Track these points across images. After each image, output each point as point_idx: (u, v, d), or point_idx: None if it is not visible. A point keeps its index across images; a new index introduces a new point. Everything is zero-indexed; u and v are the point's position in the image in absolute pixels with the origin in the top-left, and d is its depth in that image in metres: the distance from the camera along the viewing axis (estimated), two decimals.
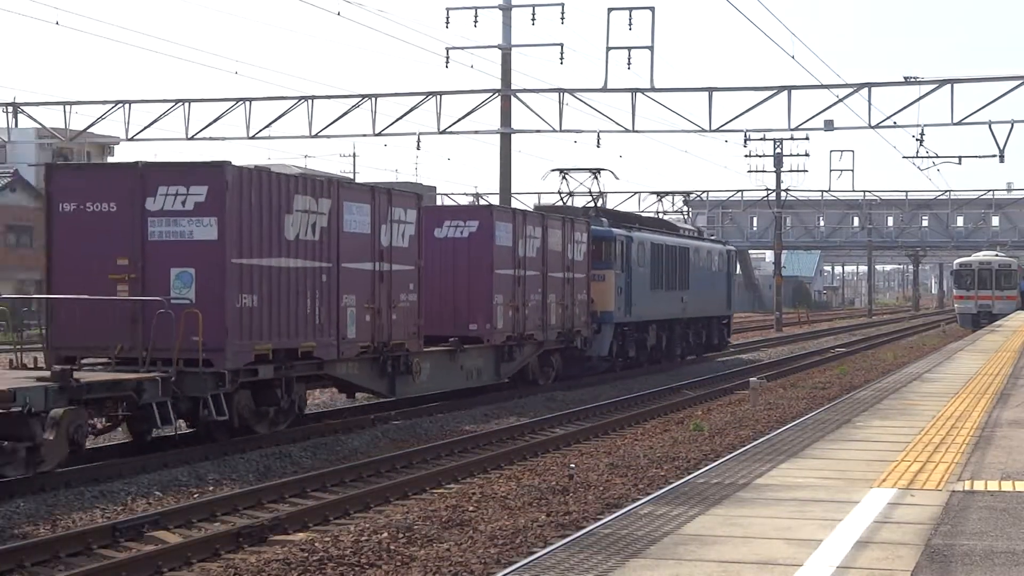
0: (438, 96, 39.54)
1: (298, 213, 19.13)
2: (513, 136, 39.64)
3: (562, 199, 36.59)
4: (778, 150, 70.88)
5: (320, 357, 19.82)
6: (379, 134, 40.52)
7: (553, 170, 37.21)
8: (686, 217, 78.50)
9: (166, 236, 17.93)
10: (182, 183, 17.94)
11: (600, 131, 39.85)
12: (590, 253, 30.73)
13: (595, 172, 36.71)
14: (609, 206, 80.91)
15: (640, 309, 33.45)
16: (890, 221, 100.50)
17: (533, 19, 38.65)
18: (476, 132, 42.01)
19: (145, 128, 42.26)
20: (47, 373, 15.76)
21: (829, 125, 40.46)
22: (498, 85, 39.29)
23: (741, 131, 45.23)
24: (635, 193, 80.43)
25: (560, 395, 27.50)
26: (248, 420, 18.66)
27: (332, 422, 21.16)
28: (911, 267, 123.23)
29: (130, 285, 17.93)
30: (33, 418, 14.55)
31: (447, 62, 38.76)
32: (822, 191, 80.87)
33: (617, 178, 54.75)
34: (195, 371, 17.14)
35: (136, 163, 18.66)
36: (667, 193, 41.35)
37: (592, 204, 36.21)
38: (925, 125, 40.41)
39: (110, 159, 78.84)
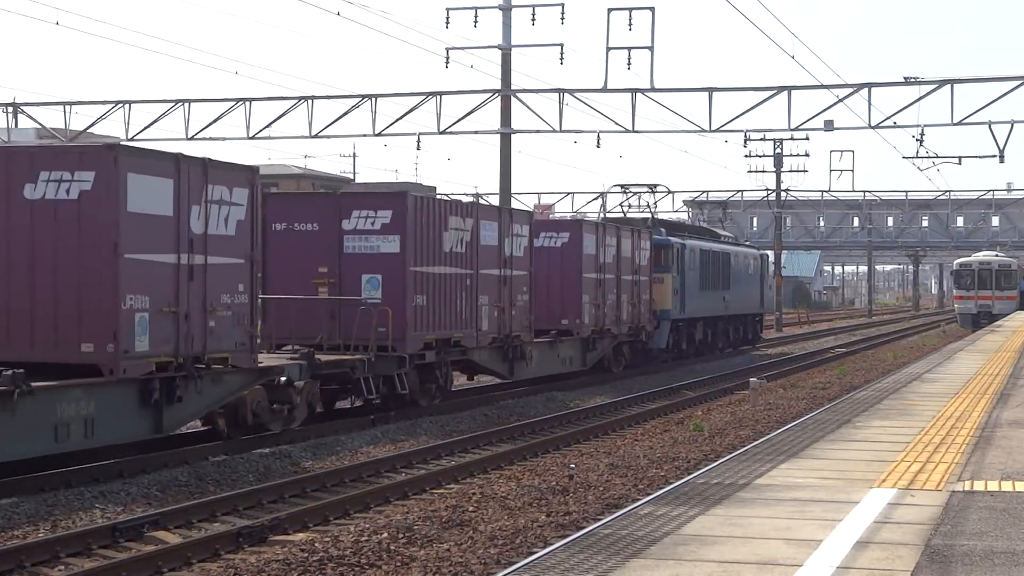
0: (438, 96, 39.54)
1: (452, 231, 23.86)
2: (513, 136, 39.65)
3: (623, 211, 42.69)
4: (778, 150, 70.89)
5: (465, 345, 24.58)
6: (379, 134, 40.51)
7: (615, 185, 44.28)
8: (689, 217, 78.59)
9: (358, 249, 22.68)
10: (371, 208, 22.77)
11: (600, 131, 39.85)
12: (652, 258, 35.58)
13: (652, 187, 43.21)
14: (609, 207, 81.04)
15: (691, 307, 38.13)
16: (890, 221, 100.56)
17: (533, 19, 38.64)
18: (476, 132, 42.01)
19: (145, 128, 42.27)
20: (296, 355, 19.74)
21: (829, 125, 40.45)
22: (498, 85, 39.29)
23: (741, 131, 45.21)
24: (635, 193, 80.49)
25: (560, 395, 27.53)
26: (416, 394, 23.01)
27: (332, 422, 21.17)
28: (911, 267, 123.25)
29: (329, 288, 22.47)
30: (291, 387, 19.02)
31: (447, 62, 38.77)
32: (822, 191, 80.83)
33: (670, 191, 58.88)
34: (386, 355, 21.79)
35: (335, 192, 24.84)
36: (632, 187, 43.42)
37: (650, 215, 41.00)
38: (925, 125, 40.39)
39: None
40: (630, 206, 42.39)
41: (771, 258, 55.53)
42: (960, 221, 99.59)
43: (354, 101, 40.71)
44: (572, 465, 16.52)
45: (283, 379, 18.80)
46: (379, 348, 21.58)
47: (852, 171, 71.56)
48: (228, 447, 18.13)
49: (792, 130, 40.95)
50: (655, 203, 42.96)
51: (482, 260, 24.99)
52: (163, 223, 16.24)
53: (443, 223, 23.58)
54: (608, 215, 41.76)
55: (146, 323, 15.90)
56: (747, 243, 54.93)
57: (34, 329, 15.59)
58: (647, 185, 42.51)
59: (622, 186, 42.83)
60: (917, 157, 48.85)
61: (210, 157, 17.53)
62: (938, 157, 52.28)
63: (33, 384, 14.23)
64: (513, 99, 39.23)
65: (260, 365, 18.35)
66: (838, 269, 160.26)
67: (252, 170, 18.40)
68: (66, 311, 15.53)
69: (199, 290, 16.88)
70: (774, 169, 71.72)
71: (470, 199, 78.67)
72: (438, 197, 25.18)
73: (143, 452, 17.42)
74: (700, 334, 39.66)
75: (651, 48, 36.59)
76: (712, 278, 40.38)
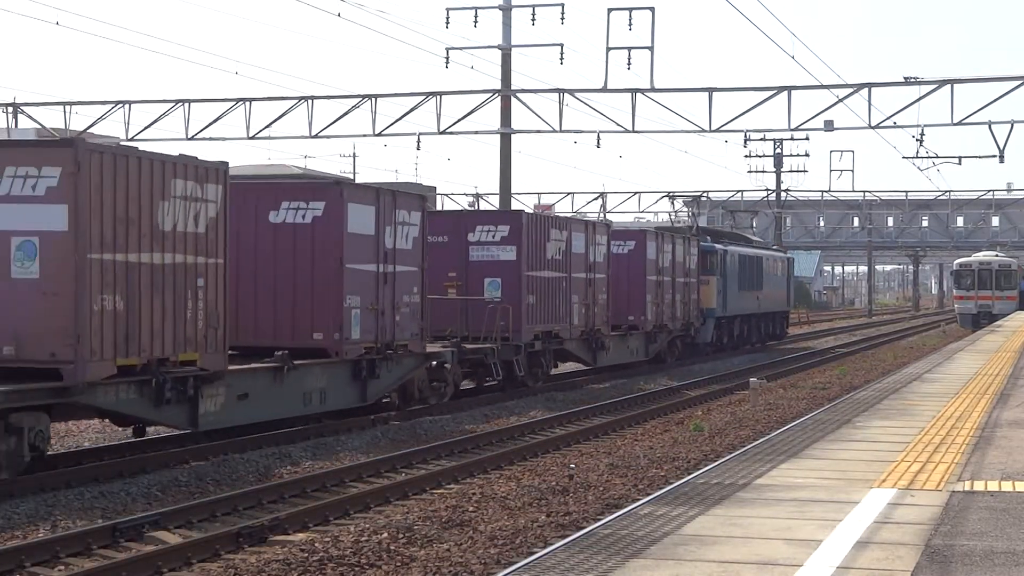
0: (438, 96, 39.55)
1: (552, 241, 28.74)
2: (513, 136, 39.66)
3: (672, 220, 48.49)
4: (778, 150, 70.92)
5: (562, 337, 29.21)
6: (379, 134, 40.53)
7: (664, 195, 51.65)
8: (691, 218, 78.54)
9: (482, 258, 27.34)
10: (492, 223, 27.74)
11: (600, 131, 39.88)
12: (699, 263, 40.18)
13: (696, 198, 51.04)
14: (609, 207, 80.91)
15: (731, 306, 43.06)
16: (890, 221, 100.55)
17: (533, 19, 38.67)
18: (476, 132, 42.06)
19: (145, 128, 42.29)
20: (447, 344, 24.51)
21: (829, 125, 40.47)
22: (498, 85, 39.30)
23: (741, 131, 45.27)
24: (635, 193, 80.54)
25: (560, 395, 27.54)
26: (526, 377, 27.50)
27: (332, 422, 21.17)
28: (911, 267, 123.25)
29: (457, 290, 26.72)
30: (445, 369, 23.82)
31: (447, 62, 38.78)
32: (822, 191, 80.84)
33: (709, 200, 64.06)
34: (507, 344, 26.28)
35: (462, 211, 28.79)
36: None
37: (695, 224, 46.70)
38: (925, 125, 40.43)
39: None
40: (676, 214, 49.55)
41: (792, 260, 59.64)
42: (960, 221, 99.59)
43: (354, 101, 40.73)
44: (572, 465, 16.52)
45: (445, 363, 23.90)
46: (500, 339, 26.26)
47: (852, 171, 71.63)
48: (229, 447, 18.15)
49: (792, 130, 40.99)
50: (698, 212, 49.72)
51: (573, 265, 29.84)
52: (368, 241, 21.03)
53: (546, 235, 28.57)
54: (661, 226, 46.65)
55: (358, 317, 20.79)
56: (774, 247, 59.60)
57: (276, 322, 20.13)
58: (693, 196, 49.44)
59: (669, 196, 50.22)
60: (917, 157, 48.88)
61: (398, 189, 23.77)
62: (938, 157, 52.32)
63: (295, 362, 19.09)
64: (513, 99, 39.23)
65: (427, 351, 23.24)
66: (838, 269, 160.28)
67: (423, 197, 24.04)
68: (302, 308, 20.21)
69: (390, 292, 21.74)
70: (774, 169, 71.76)
71: (470, 200, 78.79)
72: (543, 214, 31.87)
73: (144, 452, 17.43)
74: (738, 330, 44.74)
75: (651, 48, 36.61)
76: (748, 280, 45.17)
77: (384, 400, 22.41)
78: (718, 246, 42.55)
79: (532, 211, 30.27)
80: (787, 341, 52.66)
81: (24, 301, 15.06)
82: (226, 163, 17.73)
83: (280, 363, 18.82)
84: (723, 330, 42.63)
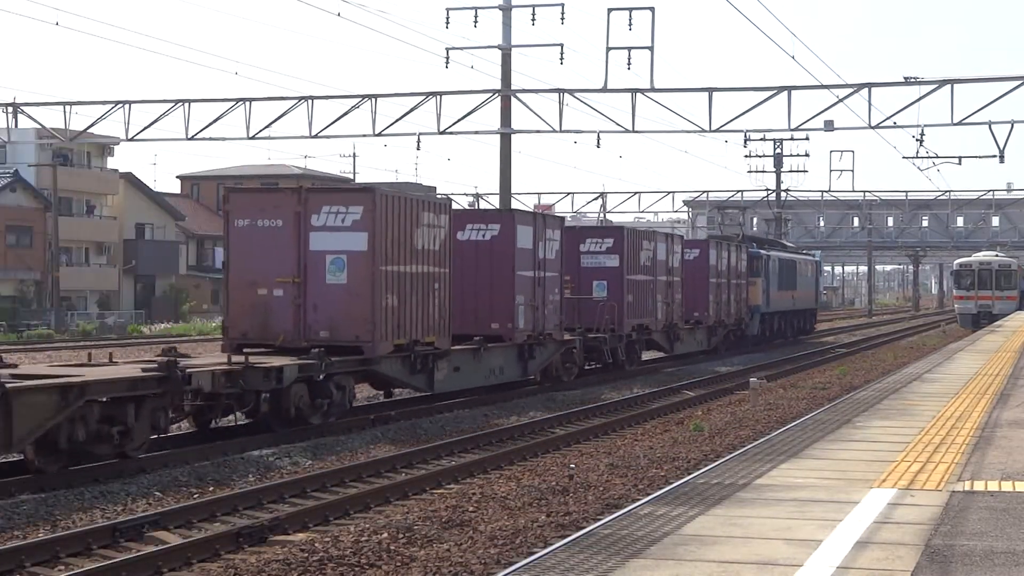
0: (438, 96, 39.57)
1: (644, 250, 34.65)
2: (513, 136, 39.67)
3: (720, 229, 55.27)
4: (778, 150, 70.91)
5: (650, 328, 35.09)
6: (379, 134, 40.56)
7: (715, 208, 57.42)
8: (690, 219, 78.65)
9: (591, 264, 32.95)
10: (599, 237, 33.77)
11: (600, 131, 39.94)
12: (748, 266, 45.93)
13: (743, 210, 58.60)
14: (609, 207, 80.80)
15: (773, 304, 49.60)
16: (890, 221, 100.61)
17: (533, 19, 38.70)
18: (476, 132, 42.13)
19: (145, 128, 42.36)
20: (575, 333, 30.02)
21: (829, 125, 40.51)
22: (498, 85, 39.31)
23: (741, 131, 45.37)
24: (635, 193, 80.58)
25: (560, 395, 27.54)
26: (624, 362, 33.39)
27: (331, 422, 21.17)
28: (911, 267, 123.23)
29: (571, 290, 31.03)
30: (575, 353, 29.83)
31: (447, 62, 38.82)
32: (822, 191, 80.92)
33: (744, 210, 68.79)
34: (612, 334, 32.05)
35: (575, 226, 35.31)
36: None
37: (741, 232, 52.91)
38: (925, 125, 40.49)
39: (110, 159, 78.95)
40: (724, 224, 55.93)
41: (820, 263, 69.63)
42: (960, 221, 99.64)
43: (354, 101, 40.76)
44: (572, 465, 16.51)
45: (574, 348, 29.56)
46: (604, 330, 31.76)
47: (852, 171, 71.85)
48: (228, 447, 18.15)
49: (792, 130, 41.03)
50: (743, 221, 56.87)
51: (658, 270, 35.76)
52: (528, 253, 27.06)
53: (640, 245, 34.52)
54: (714, 235, 53.66)
55: (523, 312, 26.74)
56: (805, 251, 65.49)
57: (469, 315, 25.69)
58: (738, 208, 56.12)
59: (720, 207, 55.74)
60: (917, 157, 48.93)
61: (545, 213, 30.05)
62: (938, 157, 52.36)
63: (488, 345, 25.34)
64: (513, 99, 39.24)
65: (564, 338, 28.98)
66: (838, 269, 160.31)
67: (562, 218, 31.29)
68: (485, 305, 26.18)
69: (542, 292, 27.61)
70: (774, 169, 71.73)
71: (470, 200, 78.78)
72: (640, 229, 36.65)
73: (144, 452, 17.42)
74: (777, 324, 51.14)
75: (651, 48, 36.65)
76: (786, 281, 51.64)
77: (529, 376, 28.04)
78: (763, 252, 48.98)
79: (630, 225, 41.09)
80: (813, 336, 58.76)
81: (336, 300, 21.11)
82: (450, 199, 26.00)
83: (478, 346, 25.07)
84: (766, 324, 49.05)
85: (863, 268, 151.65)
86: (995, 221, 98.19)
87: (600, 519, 11.07)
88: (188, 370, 17.16)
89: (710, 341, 41.42)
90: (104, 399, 15.95)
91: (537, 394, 27.23)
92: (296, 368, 19.52)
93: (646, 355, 37.22)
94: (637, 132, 38.89)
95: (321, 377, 20.05)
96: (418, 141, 41.89)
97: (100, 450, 15.98)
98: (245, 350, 20.41)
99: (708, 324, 40.80)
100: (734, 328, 44.26)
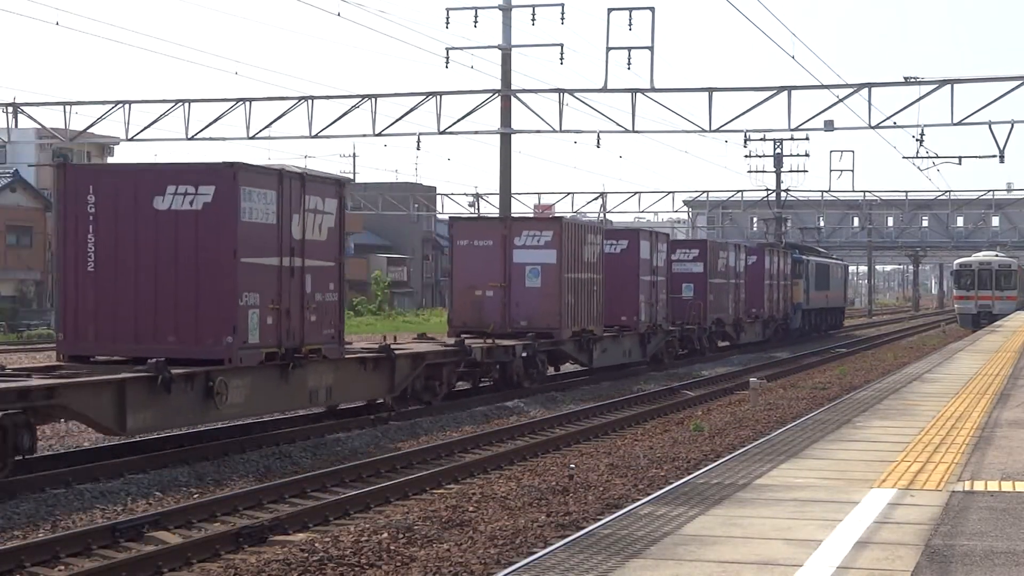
0: (438, 96, 39.56)
1: (721, 258, 42.55)
2: (513, 136, 39.65)
3: (766, 236, 65.66)
4: (778, 150, 70.87)
5: (724, 322, 42.65)
6: (379, 134, 40.54)
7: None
8: (690, 219, 79.01)
9: (681, 270, 39.97)
10: (687, 248, 41.32)
11: (600, 131, 39.90)
12: (792, 269, 53.32)
13: (782, 220, 65.52)
14: (609, 207, 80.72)
15: (812, 302, 57.36)
16: (890, 221, 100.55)
17: (533, 19, 38.68)
18: (476, 132, 42.10)
19: (145, 128, 42.29)
20: (675, 326, 38.01)
21: (829, 125, 40.47)
22: (498, 85, 39.30)
23: (741, 131, 45.28)
24: (635, 193, 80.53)
25: (560, 395, 27.54)
26: (705, 349, 40.96)
27: (332, 422, 21.17)
28: (911, 267, 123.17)
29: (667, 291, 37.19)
30: (675, 340, 37.99)
31: (447, 62, 38.81)
32: (822, 191, 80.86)
33: (788, 220, 76.27)
34: (698, 327, 39.74)
35: (669, 239, 39.02)
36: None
37: (783, 240, 61.51)
38: (925, 125, 40.42)
39: (110, 159, 78.95)
40: (774, 233, 64.11)
41: (847, 266, 77.17)
42: (960, 221, 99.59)
43: (354, 101, 40.74)
44: (572, 465, 16.50)
45: (675, 336, 37.84)
46: (692, 323, 39.25)
47: (852, 171, 71.70)
48: (229, 447, 18.15)
49: (792, 130, 40.98)
50: (786, 229, 66.63)
51: (731, 274, 43.61)
52: (647, 263, 35.04)
53: (717, 254, 42.23)
54: (762, 242, 60.52)
55: (643, 307, 34.29)
56: (835, 256, 73.97)
57: (606, 309, 32.07)
58: (778, 218, 65.15)
59: (777, 219, 65.00)
60: (917, 157, 48.88)
61: (657, 231, 38.09)
62: (938, 157, 52.30)
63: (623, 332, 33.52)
64: (513, 99, 39.22)
65: (669, 328, 37.05)
66: None
67: (667, 234, 39.00)
68: (617, 302, 33.24)
69: (655, 292, 35.47)
70: (774, 169, 71.69)
71: (470, 200, 78.76)
72: (720, 241, 45.20)
73: (145, 452, 17.43)
74: (814, 320, 59.00)
75: (651, 48, 36.62)
76: (821, 282, 59.66)
77: (633, 361, 34.28)
78: (803, 257, 56.72)
79: (713, 239, 50.12)
80: (841, 330, 66.16)
81: (533, 299, 28.48)
82: (603, 223, 35.17)
83: (618, 333, 32.79)
84: (806, 319, 56.85)
85: (863, 268, 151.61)
86: (995, 221, 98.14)
87: (600, 519, 11.07)
88: (472, 346, 25.16)
89: (764, 332, 49.28)
90: (431, 363, 23.44)
91: (652, 371, 35.19)
92: (522, 347, 27.28)
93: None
94: (637, 132, 38.87)
95: (529, 353, 27.51)
96: (418, 141, 41.88)
97: (425, 396, 23.51)
98: (462, 335, 26.99)
99: (763, 318, 48.65)
100: (781, 322, 51.91)
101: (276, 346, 18.52)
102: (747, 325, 46.09)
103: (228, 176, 17.72)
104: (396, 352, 22.12)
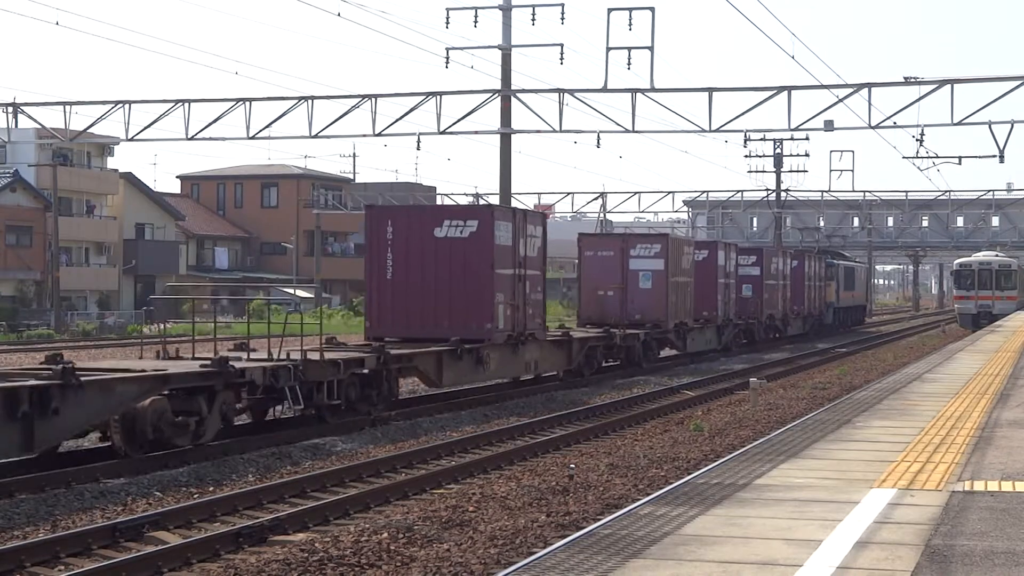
0: (438, 96, 39.56)
1: (773, 264, 48.77)
2: (513, 136, 39.66)
3: (800, 243, 75.40)
4: (778, 150, 70.87)
5: (775, 316, 50.20)
6: (379, 134, 40.54)
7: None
8: (690, 219, 79.13)
9: (743, 273, 46.28)
10: (748, 255, 48.51)
11: (600, 131, 39.91)
12: (825, 272, 60.92)
13: (817, 229, 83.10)
14: (609, 207, 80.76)
15: (841, 301, 65.51)
16: (890, 221, 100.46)
17: (533, 19, 38.70)
18: (476, 132, 42.08)
19: (145, 128, 42.29)
20: (740, 320, 45.80)
21: (829, 125, 40.46)
22: (498, 85, 39.31)
23: (741, 131, 45.40)
24: (635, 193, 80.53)
25: (560, 395, 27.54)
26: (762, 340, 48.28)
27: (331, 423, 21.17)
28: (911, 267, 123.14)
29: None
30: (740, 331, 46.13)
31: (447, 62, 38.83)
32: (822, 191, 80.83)
33: (820, 229, 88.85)
34: (758, 320, 47.35)
35: (728, 244, 45.67)
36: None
37: (816, 247, 72.35)
38: (925, 125, 40.44)
39: (110, 159, 78.94)
40: (816, 241, 77.12)
41: (869, 268, 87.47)
42: (960, 221, 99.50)
43: (354, 101, 40.75)
44: (572, 465, 16.50)
45: (741, 328, 45.55)
46: (751, 318, 46.82)
47: (852, 171, 71.78)
48: (228, 447, 18.15)
49: (792, 130, 41.00)
50: (819, 238, 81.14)
51: (779, 276, 50.84)
52: (723, 268, 42.22)
53: (771, 260, 49.42)
54: (799, 249, 67.41)
55: (720, 304, 42.22)
56: (858, 260, 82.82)
57: (688, 306, 38.71)
58: (815, 229, 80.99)
59: (802, 229, 78.81)
60: (917, 157, 48.89)
61: (727, 242, 47.38)
62: (938, 157, 52.33)
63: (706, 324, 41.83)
64: (513, 99, 39.23)
65: (736, 321, 44.47)
66: None
67: (735, 243, 45.92)
68: (700, 299, 39.70)
69: (728, 291, 42.88)
70: (774, 169, 71.71)
71: (470, 200, 78.76)
72: (772, 247, 54.95)
73: (145, 452, 17.42)
74: (843, 316, 66.90)
75: (651, 48, 36.62)
76: (848, 283, 67.89)
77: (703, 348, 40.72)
78: (834, 261, 65.02)
79: (774, 246, 60.02)
80: (863, 326, 73.23)
81: (645, 297, 35.46)
82: (715, 243, 43.28)
83: (703, 324, 40.40)
84: (837, 316, 64.56)
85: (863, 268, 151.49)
86: (995, 221, 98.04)
87: (600, 519, 11.07)
88: (614, 333, 32.50)
89: (805, 326, 56.47)
90: (591, 345, 31.35)
91: (725, 357, 41.49)
92: (645, 334, 34.64)
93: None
94: (637, 132, 38.88)
95: (647, 340, 34.91)
96: (418, 141, 41.88)
97: (584, 371, 30.66)
98: (587, 326, 34.29)
99: (804, 314, 56.07)
100: (818, 318, 59.13)
101: (512, 331, 26.45)
102: (792, 320, 53.89)
103: (487, 214, 25.89)
104: (573, 335, 30.77)
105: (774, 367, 37.58)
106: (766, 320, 49.04)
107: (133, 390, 16.50)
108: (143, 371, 17.09)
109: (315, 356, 20.01)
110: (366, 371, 21.12)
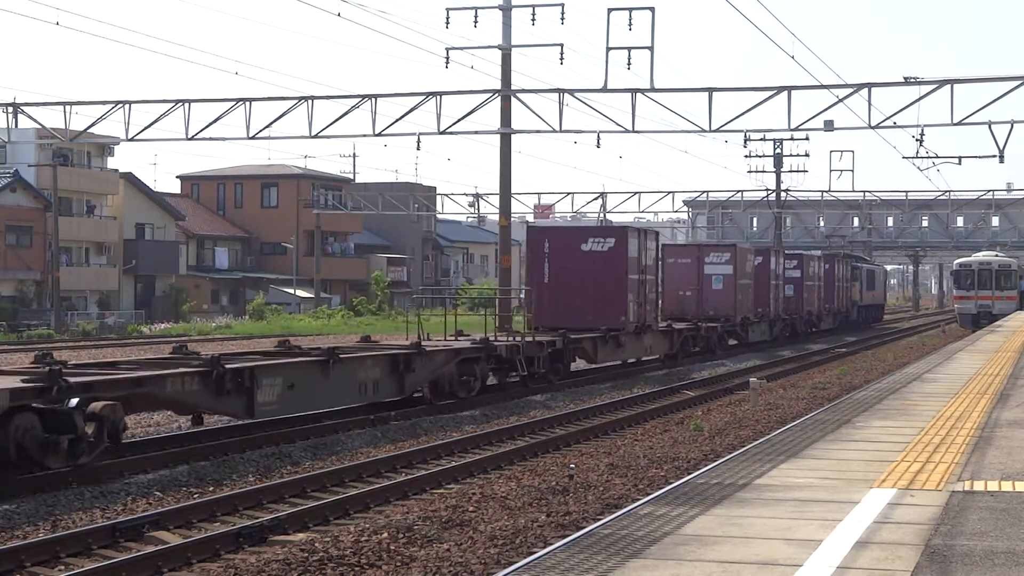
0: (438, 96, 39.57)
1: (810, 266, 55.79)
2: (513, 136, 39.66)
3: (842, 251, 75.33)
4: (778, 150, 70.90)
5: (812, 313, 56.79)
6: (379, 134, 40.55)
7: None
8: (690, 219, 79.04)
9: (787, 276, 52.68)
10: (792, 260, 55.23)
11: (600, 131, 39.95)
12: (851, 274, 66.89)
13: (843, 237, 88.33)
14: (609, 207, 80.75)
15: (864, 300, 71.97)
16: (890, 221, 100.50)
17: (533, 19, 38.73)
18: (476, 132, 42.13)
19: (145, 128, 42.31)
20: (786, 316, 53.28)
21: (829, 125, 40.50)
22: (498, 85, 39.32)
23: (741, 131, 45.45)
24: (635, 193, 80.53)
25: (560, 395, 27.53)
26: (802, 333, 54.67)
27: (332, 422, 21.17)
28: (911, 267, 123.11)
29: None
30: (787, 325, 53.45)
31: (447, 62, 38.85)
32: (822, 191, 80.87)
33: (846, 240, 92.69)
34: (798, 316, 54.04)
35: (771, 249, 54.15)
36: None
37: (846, 249, 78.80)
38: (925, 125, 40.52)
39: (110, 159, 78.93)
40: (843, 248, 79.34)
41: (886, 270, 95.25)
42: (960, 221, 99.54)
43: (354, 101, 40.76)
44: (572, 465, 16.50)
45: (788, 323, 51.46)
46: (794, 314, 53.17)
47: (852, 171, 71.99)
48: (229, 447, 18.16)
49: (792, 130, 41.03)
50: (844, 245, 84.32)
51: (815, 278, 57.14)
52: (776, 272, 49.69)
53: (808, 264, 55.44)
54: (828, 253, 70.70)
55: (772, 301, 49.13)
56: (877, 263, 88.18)
57: (736, 304, 44.14)
58: (842, 237, 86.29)
59: (828, 237, 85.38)
60: (917, 157, 48.96)
61: (783, 250, 58.80)
62: (938, 157, 52.43)
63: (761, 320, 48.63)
64: (513, 99, 39.24)
65: (784, 318, 51.10)
66: None
67: (781, 250, 55.61)
68: (758, 297, 46.89)
69: (779, 291, 49.90)
70: (774, 169, 71.74)
71: (470, 199, 78.69)
72: (810, 254, 59.28)
73: (145, 452, 17.44)
74: (865, 314, 72.97)
75: (651, 48, 36.65)
76: (869, 284, 74.17)
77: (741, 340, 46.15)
78: (859, 264, 71.52)
79: (814, 254, 62.48)
80: (880, 324, 78.63)
81: (717, 297, 42.34)
82: (768, 250, 50.81)
83: (759, 319, 46.58)
84: (859, 313, 70.87)
85: None
86: (995, 221, 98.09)
87: (600, 519, 11.07)
88: (700, 325, 39.60)
89: (834, 321, 63.10)
90: (686, 335, 39.25)
91: (776, 347, 48.10)
92: (721, 327, 41.75)
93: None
94: (637, 132, 38.90)
95: (721, 331, 41.67)
96: (418, 141, 41.92)
97: (679, 357, 38.26)
98: (668, 321, 39.08)
99: (834, 311, 62.24)
100: (844, 315, 65.35)
101: (637, 322, 33.66)
102: (825, 316, 60.53)
103: (623, 233, 33.54)
104: (674, 327, 37.89)
105: (811, 356, 44.01)
106: (805, 316, 55.56)
107: (442, 358, 24.43)
108: (447, 346, 25.36)
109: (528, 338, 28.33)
110: (559, 348, 29.39)
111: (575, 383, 29.97)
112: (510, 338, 28.24)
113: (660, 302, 39.17)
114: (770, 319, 48.83)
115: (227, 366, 18.23)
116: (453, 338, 27.58)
